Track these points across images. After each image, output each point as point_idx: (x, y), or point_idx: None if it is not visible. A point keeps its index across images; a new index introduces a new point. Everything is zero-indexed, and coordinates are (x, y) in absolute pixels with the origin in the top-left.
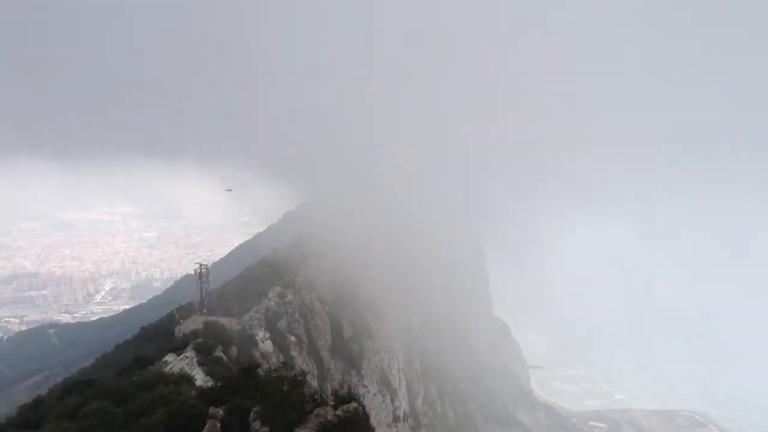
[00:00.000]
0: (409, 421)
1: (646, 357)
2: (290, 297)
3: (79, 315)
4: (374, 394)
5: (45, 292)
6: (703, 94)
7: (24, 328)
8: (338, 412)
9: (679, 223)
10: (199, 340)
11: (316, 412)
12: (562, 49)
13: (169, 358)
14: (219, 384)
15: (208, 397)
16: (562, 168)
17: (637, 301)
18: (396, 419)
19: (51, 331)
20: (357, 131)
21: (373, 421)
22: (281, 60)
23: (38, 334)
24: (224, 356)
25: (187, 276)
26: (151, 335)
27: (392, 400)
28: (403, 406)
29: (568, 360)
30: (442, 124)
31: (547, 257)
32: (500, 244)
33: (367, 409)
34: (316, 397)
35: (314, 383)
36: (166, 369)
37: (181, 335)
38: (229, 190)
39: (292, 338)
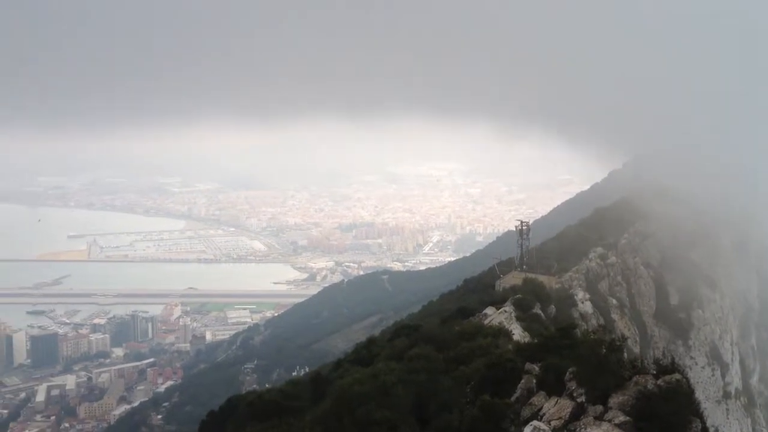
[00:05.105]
0: (742, 399)
1: None
2: (612, 258)
3: (408, 264)
4: (702, 367)
5: (380, 240)
6: None
7: (361, 272)
8: (659, 382)
9: None
10: (518, 295)
11: (635, 379)
12: None
13: (489, 310)
14: (536, 341)
15: (524, 352)
16: None
17: None
18: (726, 395)
19: (384, 277)
20: (689, 84)
21: (700, 396)
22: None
23: (373, 279)
24: (542, 313)
25: (508, 232)
26: (473, 287)
27: (723, 376)
28: (735, 382)
29: None
30: None
31: None
32: None
33: (692, 382)
34: (636, 363)
35: (635, 349)
36: (486, 321)
37: (501, 289)
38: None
39: (613, 301)
